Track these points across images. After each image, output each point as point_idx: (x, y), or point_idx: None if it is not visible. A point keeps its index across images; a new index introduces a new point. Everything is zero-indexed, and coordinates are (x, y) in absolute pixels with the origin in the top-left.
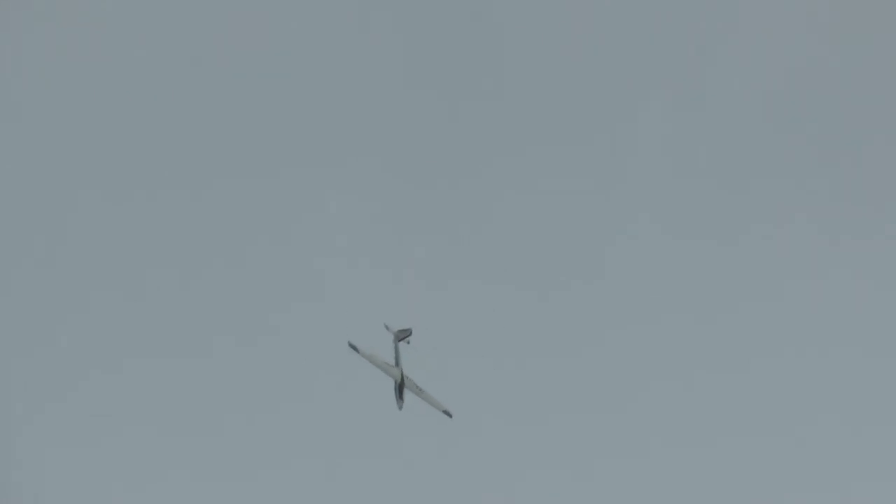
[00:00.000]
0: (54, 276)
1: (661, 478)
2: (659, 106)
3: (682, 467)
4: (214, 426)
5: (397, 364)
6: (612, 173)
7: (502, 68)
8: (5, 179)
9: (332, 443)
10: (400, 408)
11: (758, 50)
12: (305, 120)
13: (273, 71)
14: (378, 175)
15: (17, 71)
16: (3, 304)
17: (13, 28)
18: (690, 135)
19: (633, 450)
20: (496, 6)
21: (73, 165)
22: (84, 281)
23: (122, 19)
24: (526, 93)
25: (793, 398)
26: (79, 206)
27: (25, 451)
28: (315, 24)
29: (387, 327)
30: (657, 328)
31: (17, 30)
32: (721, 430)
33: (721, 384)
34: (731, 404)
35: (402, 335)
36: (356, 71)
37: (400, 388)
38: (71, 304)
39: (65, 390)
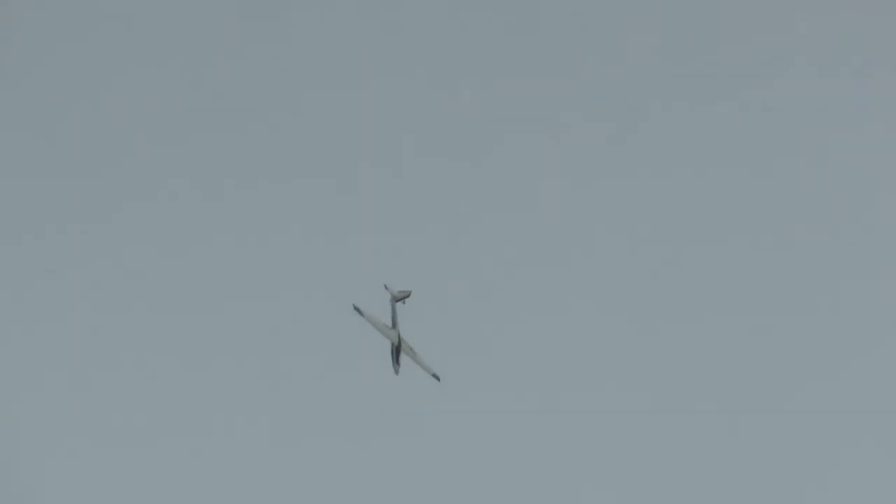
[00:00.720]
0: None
1: (662, 445)
2: None
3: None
4: (207, 382)
5: (394, 326)
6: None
7: None
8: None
9: (325, 411)
10: (396, 372)
11: None
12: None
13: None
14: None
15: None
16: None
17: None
18: None
19: (631, 414)
20: None
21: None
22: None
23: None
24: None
25: None
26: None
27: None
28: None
29: (386, 287)
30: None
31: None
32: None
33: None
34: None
35: (401, 296)
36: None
37: (397, 352)
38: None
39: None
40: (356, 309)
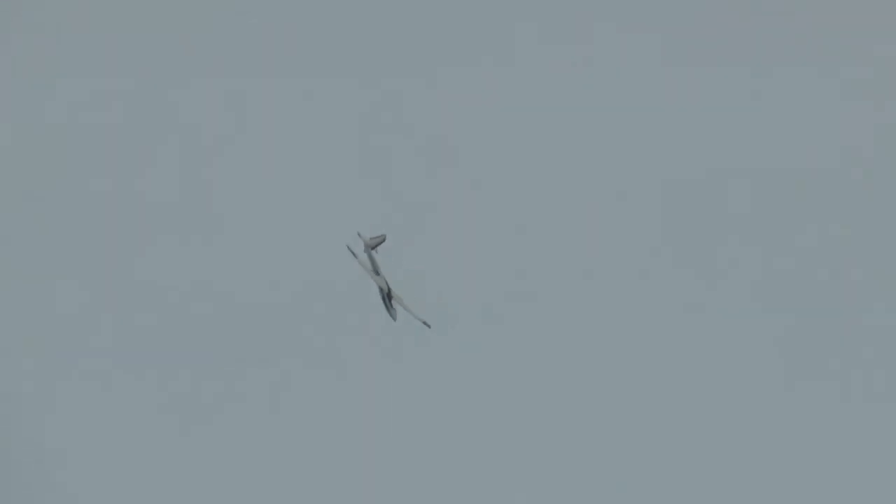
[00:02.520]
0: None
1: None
2: None
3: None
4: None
5: (378, 273)
6: None
7: None
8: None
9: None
10: (394, 318)
11: None
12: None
13: None
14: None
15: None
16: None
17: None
18: None
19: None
20: None
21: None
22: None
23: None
24: None
25: None
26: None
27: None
28: None
29: (359, 235)
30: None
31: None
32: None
33: None
34: None
35: (374, 243)
36: None
37: (388, 297)
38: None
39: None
40: (349, 250)
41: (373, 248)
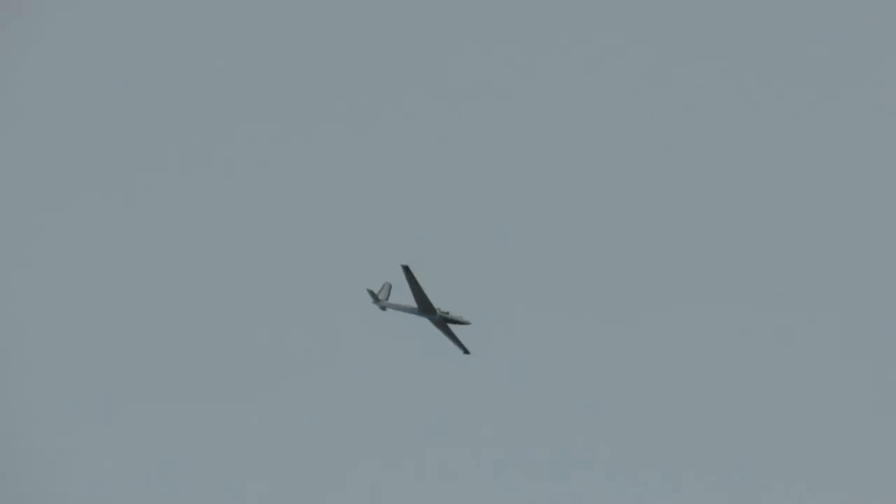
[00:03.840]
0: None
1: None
2: None
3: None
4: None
5: (423, 310)
6: None
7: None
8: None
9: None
10: (468, 321)
11: None
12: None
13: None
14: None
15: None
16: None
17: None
18: None
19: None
20: None
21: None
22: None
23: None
24: None
25: None
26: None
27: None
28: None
29: (373, 297)
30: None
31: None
32: None
33: None
34: None
35: (385, 293)
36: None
37: (445, 320)
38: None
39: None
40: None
41: (386, 297)
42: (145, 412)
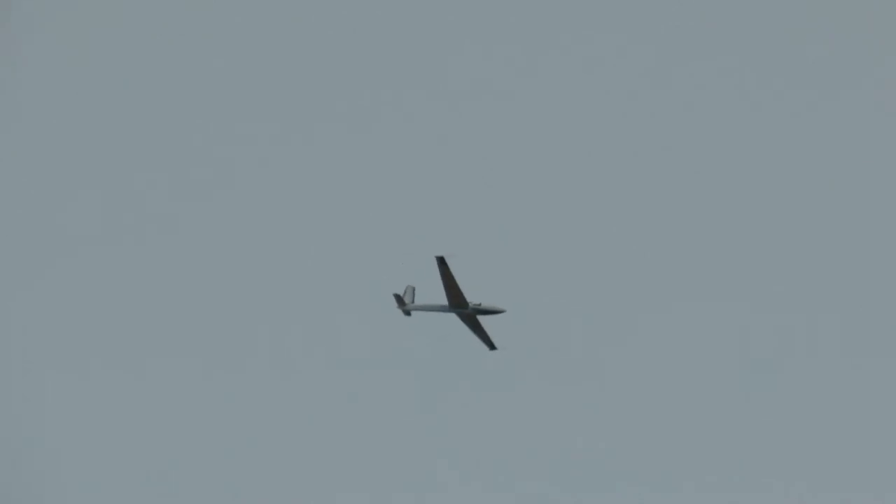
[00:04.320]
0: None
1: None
2: None
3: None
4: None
5: (454, 305)
6: None
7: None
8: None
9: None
10: (502, 308)
11: None
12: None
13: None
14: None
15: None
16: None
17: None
18: None
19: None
20: None
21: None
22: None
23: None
24: None
25: None
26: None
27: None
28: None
29: (399, 302)
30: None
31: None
32: None
33: None
34: None
35: (409, 295)
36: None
37: (476, 311)
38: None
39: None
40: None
41: (411, 301)
42: (145, 412)
